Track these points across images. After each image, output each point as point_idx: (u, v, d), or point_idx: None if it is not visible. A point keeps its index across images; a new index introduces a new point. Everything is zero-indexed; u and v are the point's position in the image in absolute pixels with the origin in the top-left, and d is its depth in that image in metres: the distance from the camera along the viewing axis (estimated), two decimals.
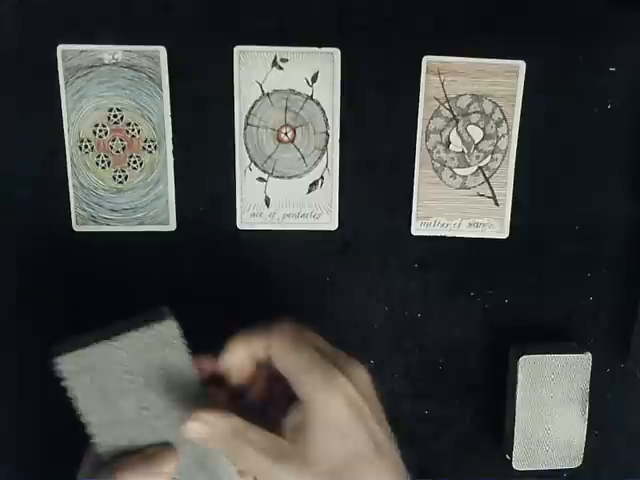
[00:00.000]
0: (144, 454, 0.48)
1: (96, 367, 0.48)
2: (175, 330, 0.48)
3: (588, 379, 0.60)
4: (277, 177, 0.58)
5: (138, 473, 0.46)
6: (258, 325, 0.47)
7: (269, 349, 0.46)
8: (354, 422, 0.44)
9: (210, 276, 0.59)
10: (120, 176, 0.57)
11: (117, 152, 0.57)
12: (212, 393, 0.48)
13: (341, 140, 0.58)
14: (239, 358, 0.48)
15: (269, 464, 0.43)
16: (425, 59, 0.57)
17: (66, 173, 0.57)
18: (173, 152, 0.57)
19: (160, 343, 0.48)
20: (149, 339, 0.48)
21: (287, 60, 0.56)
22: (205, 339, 0.61)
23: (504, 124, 0.58)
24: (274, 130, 0.57)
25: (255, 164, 0.58)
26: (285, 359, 0.45)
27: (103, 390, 0.48)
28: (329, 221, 0.59)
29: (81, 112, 0.56)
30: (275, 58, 0.56)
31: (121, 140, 0.57)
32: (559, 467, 0.61)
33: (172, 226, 0.58)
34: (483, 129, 0.58)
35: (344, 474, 0.43)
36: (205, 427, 0.45)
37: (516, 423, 0.60)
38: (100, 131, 0.57)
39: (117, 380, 0.48)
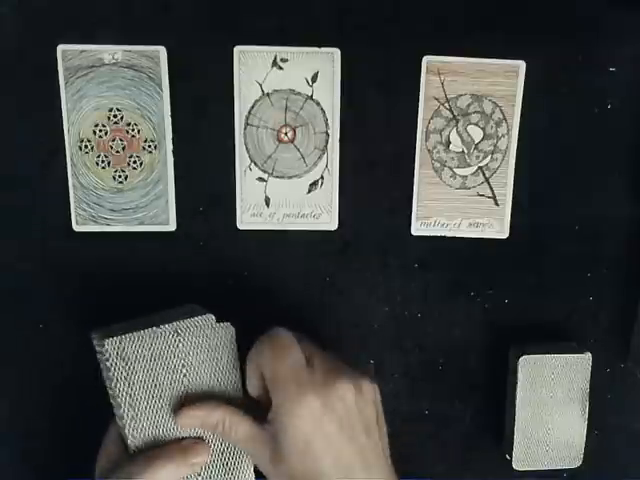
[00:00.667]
0: (179, 445, 0.50)
1: (153, 354, 0.50)
2: (233, 334, 0.52)
3: (588, 379, 0.60)
4: (277, 177, 0.58)
5: (175, 462, 0.49)
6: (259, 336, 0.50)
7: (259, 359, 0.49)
8: (316, 440, 0.45)
9: (210, 276, 0.59)
10: (120, 176, 0.57)
11: (117, 152, 0.57)
12: None
13: (341, 140, 0.58)
14: (250, 376, 0.51)
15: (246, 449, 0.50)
16: (425, 59, 0.57)
17: (66, 173, 0.57)
18: (173, 152, 0.57)
19: (217, 343, 0.51)
20: (209, 338, 0.51)
21: (287, 60, 0.56)
22: None
23: (504, 124, 0.58)
24: (274, 130, 0.57)
25: (255, 164, 0.58)
26: (267, 369, 0.48)
27: (154, 378, 0.50)
28: (329, 221, 0.59)
29: (81, 112, 0.56)
30: (275, 58, 0.56)
31: (121, 140, 0.57)
32: (559, 467, 0.61)
33: (172, 226, 0.58)
34: (483, 129, 0.58)
35: None
36: (195, 421, 0.50)
37: (516, 423, 0.60)
38: (100, 131, 0.57)
39: (171, 370, 0.50)
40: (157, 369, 0.50)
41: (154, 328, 0.50)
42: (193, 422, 0.50)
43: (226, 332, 0.52)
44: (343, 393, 0.46)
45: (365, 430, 0.47)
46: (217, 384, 0.52)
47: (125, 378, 0.49)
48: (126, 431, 0.49)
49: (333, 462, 0.45)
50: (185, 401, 0.51)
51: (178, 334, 0.50)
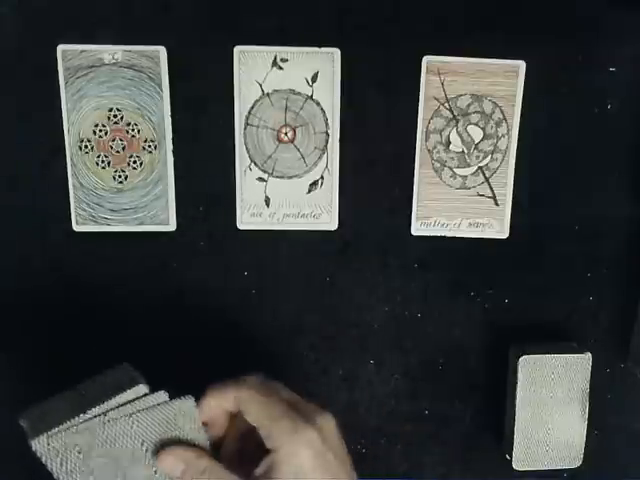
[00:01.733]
0: None
1: (105, 440, 0.48)
2: (192, 404, 0.49)
3: (588, 379, 0.60)
4: (277, 177, 0.58)
5: None
6: (228, 380, 0.49)
7: (239, 401, 0.47)
8: (319, 473, 0.45)
9: (210, 276, 0.59)
10: (120, 176, 0.57)
11: (117, 152, 0.57)
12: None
13: (341, 140, 0.58)
14: (212, 411, 0.49)
15: None
16: (425, 59, 0.57)
17: (66, 173, 0.57)
18: (173, 152, 0.57)
19: (176, 413, 0.49)
20: (165, 414, 0.49)
21: (287, 60, 0.56)
22: (204, 338, 0.61)
23: (504, 124, 0.58)
24: (274, 130, 0.57)
25: (255, 164, 0.58)
26: (254, 410, 0.47)
27: (109, 462, 0.48)
28: (329, 221, 0.59)
29: (81, 112, 0.56)
30: (275, 58, 0.56)
31: (121, 140, 0.57)
32: (559, 467, 0.61)
33: (172, 226, 0.58)
34: (483, 129, 0.58)
35: None
36: (179, 463, 0.47)
37: (516, 423, 0.60)
38: (100, 131, 0.57)
39: (130, 451, 0.48)
40: (113, 453, 0.48)
41: (102, 417, 0.47)
42: (177, 465, 0.48)
43: (184, 403, 0.50)
44: (331, 422, 0.47)
45: (348, 457, 0.48)
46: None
47: (76, 469, 0.47)
48: None
49: None
50: (156, 476, 0.48)
51: (130, 416, 0.48)
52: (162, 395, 0.49)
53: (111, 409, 0.47)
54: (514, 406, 0.60)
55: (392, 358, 0.62)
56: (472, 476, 0.65)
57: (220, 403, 0.49)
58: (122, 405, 0.48)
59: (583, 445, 0.61)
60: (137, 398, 0.48)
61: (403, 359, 0.62)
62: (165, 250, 0.59)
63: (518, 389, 0.59)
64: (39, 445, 0.46)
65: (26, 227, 0.58)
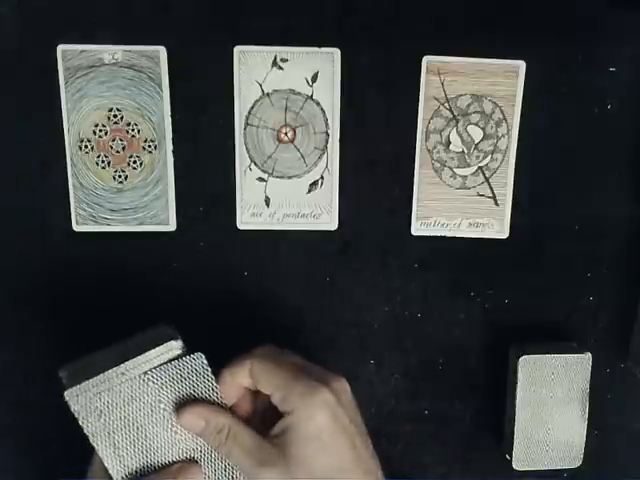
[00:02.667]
0: (170, 470, 0.49)
1: (124, 398, 0.49)
2: (204, 361, 0.50)
3: (588, 379, 0.60)
4: (277, 177, 0.58)
5: None
6: (240, 354, 0.50)
7: (252, 373, 0.48)
8: (336, 434, 0.45)
9: (210, 276, 0.59)
10: (120, 176, 0.57)
11: (117, 152, 0.57)
12: None
13: (341, 140, 0.58)
14: (231, 391, 0.49)
15: (254, 466, 0.45)
16: (425, 59, 0.57)
17: (66, 173, 0.57)
18: (173, 152, 0.57)
19: (188, 372, 0.50)
20: (179, 370, 0.49)
21: (287, 60, 0.56)
22: (204, 338, 0.61)
23: (504, 124, 0.58)
24: (274, 130, 0.57)
25: (255, 164, 0.58)
26: (266, 377, 0.47)
27: (131, 421, 0.49)
28: (329, 221, 0.59)
29: (81, 112, 0.56)
30: (275, 58, 0.56)
31: (121, 140, 0.57)
32: (559, 467, 0.61)
33: (172, 226, 0.58)
34: (483, 129, 0.58)
35: None
36: (199, 420, 0.48)
37: (516, 423, 0.60)
38: (100, 131, 0.57)
39: (149, 409, 0.49)
40: (132, 411, 0.49)
41: (118, 371, 0.48)
42: (197, 422, 0.48)
43: (196, 361, 0.50)
44: (345, 386, 0.47)
45: (362, 420, 0.48)
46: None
47: (99, 430, 0.48)
48: (111, 473, 0.48)
49: (353, 455, 0.46)
50: (176, 436, 0.49)
51: (146, 373, 0.49)
52: (176, 347, 0.50)
53: (130, 368, 0.48)
54: (514, 406, 0.60)
55: (392, 358, 0.62)
56: (472, 476, 0.65)
57: (236, 379, 0.49)
58: (142, 363, 0.49)
59: (583, 445, 0.61)
60: (164, 356, 0.49)
61: (403, 359, 0.62)
62: (165, 250, 0.59)
63: (518, 389, 0.59)
64: (69, 398, 0.47)
65: (26, 227, 0.58)
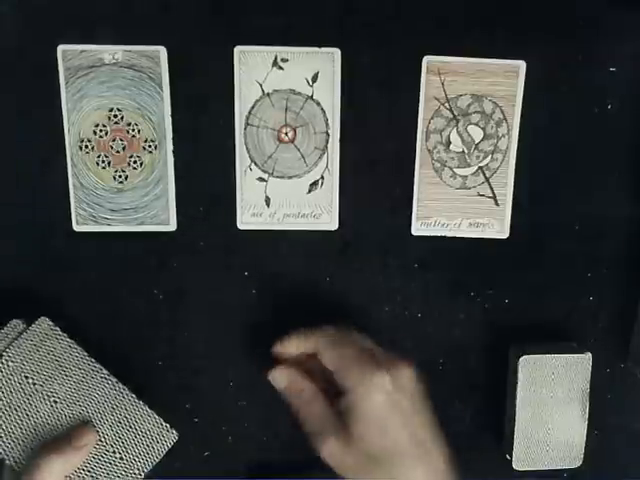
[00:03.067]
0: (62, 435, 0.52)
1: None
2: (49, 323, 0.52)
3: (588, 379, 0.60)
4: (277, 177, 0.58)
5: (61, 450, 0.50)
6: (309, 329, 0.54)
7: (318, 345, 0.52)
8: (393, 418, 0.48)
9: (210, 276, 0.59)
10: (120, 176, 0.57)
11: (117, 152, 0.57)
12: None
13: (341, 140, 0.58)
14: (292, 349, 0.54)
15: (318, 434, 0.50)
16: (425, 59, 0.57)
17: (66, 173, 0.57)
18: (173, 152, 0.57)
19: (41, 339, 0.52)
20: (31, 341, 0.52)
21: (287, 60, 0.56)
22: (205, 338, 0.61)
23: (504, 124, 0.58)
24: (274, 130, 0.57)
25: (255, 164, 0.58)
26: (329, 354, 0.51)
27: (5, 405, 0.50)
28: (329, 221, 0.59)
29: (81, 112, 0.56)
30: (275, 58, 0.56)
31: (121, 140, 0.57)
32: (559, 467, 0.61)
33: (172, 226, 0.58)
34: (483, 129, 0.58)
35: (383, 463, 0.48)
36: (282, 379, 0.54)
37: (516, 423, 0.60)
38: (100, 131, 0.57)
39: (19, 388, 0.50)
40: (4, 396, 0.50)
41: None
42: (280, 380, 0.54)
43: (42, 325, 0.52)
44: (407, 371, 0.50)
45: (426, 404, 0.51)
46: (73, 374, 0.53)
47: None
48: (7, 459, 0.50)
49: (409, 438, 0.49)
50: (57, 405, 0.52)
51: (1, 356, 0.51)
52: (18, 323, 0.52)
53: None
54: (514, 406, 0.60)
55: None
56: (472, 476, 0.64)
57: (301, 344, 0.53)
58: None
59: (583, 445, 0.61)
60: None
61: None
62: (165, 250, 0.59)
63: (518, 389, 0.59)
64: None
65: (26, 227, 0.58)
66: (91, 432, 0.52)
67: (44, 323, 0.52)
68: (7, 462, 0.50)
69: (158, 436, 0.55)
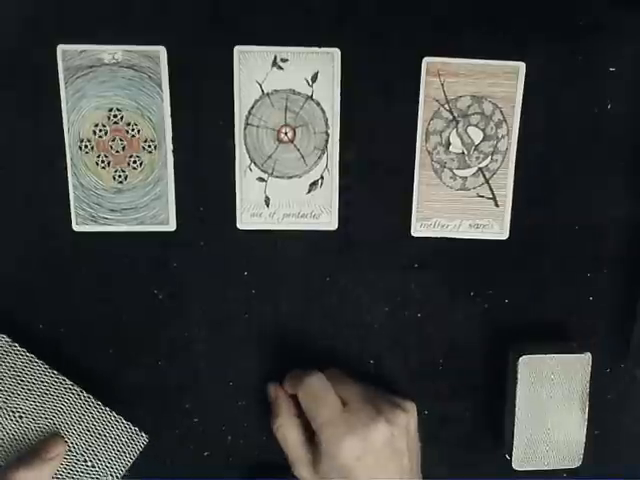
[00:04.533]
0: (32, 449, 0.52)
1: None
2: (6, 339, 0.53)
3: (588, 379, 0.60)
4: (277, 177, 0.58)
5: (29, 465, 0.50)
6: (293, 374, 0.57)
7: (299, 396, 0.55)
8: (359, 470, 0.51)
9: (210, 276, 0.59)
10: (120, 176, 0.57)
11: (117, 152, 0.57)
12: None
13: (341, 140, 0.58)
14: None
15: (291, 459, 0.55)
16: (425, 60, 0.57)
17: (66, 173, 0.57)
18: (173, 152, 0.57)
19: (0, 355, 0.52)
20: None
21: (287, 60, 0.56)
22: (204, 338, 0.61)
23: (504, 125, 0.58)
24: (274, 130, 0.57)
25: (255, 164, 0.58)
26: (305, 409, 0.54)
27: None
28: (329, 221, 0.59)
29: (81, 112, 0.56)
30: (275, 58, 0.56)
31: (121, 140, 0.57)
32: (559, 467, 0.61)
33: (172, 226, 0.58)
34: (483, 130, 0.58)
35: None
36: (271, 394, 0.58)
37: (516, 423, 0.60)
38: (100, 131, 0.57)
39: None
40: None
41: None
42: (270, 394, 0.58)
43: (1, 343, 0.52)
44: (379, 431, 0.52)
45: (398, 458, 0.53)
46: (36, 388, 0.53)
47: None
48: None
49: None
50: (22, 420, 0.52)
51: None
52: (2, 337, 0.53)
53: None
54: (514, 406, 0.60)
55: (392, 358, 0.62)
56: (472, 476, 0.65)
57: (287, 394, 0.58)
58: None
59: (583, 445, 0.61)
60: None
61: (403, 359, 0.62)
62: (165, 250, 0.59)
63: (518, 389, 0.59)
64: None
65: (26, 227, 0.58)
66: (60, 443, 0.53)
67: (1, 340, 0.52)
68: None
69: (128, 440, 0.55)
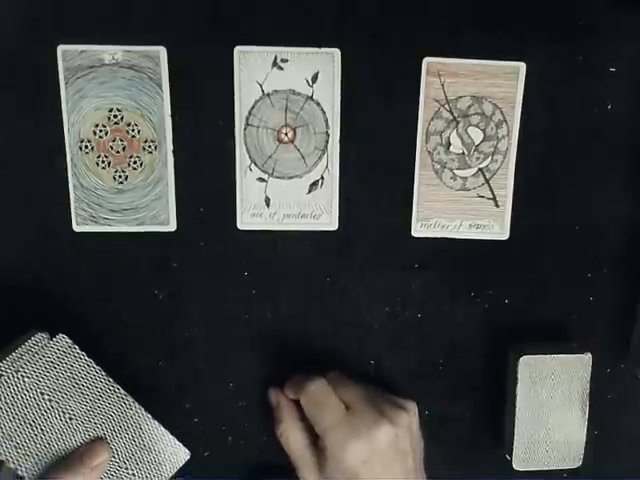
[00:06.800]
0: (76, 453, 0.52)
1: (5, 400, 0.51)
2: (67, 341, 0.52)
3: (588, 379, 0.60)
4: (277, 177, 0.58)
5: (73, 470, 0.50)
6: (294, 380, 0.58)
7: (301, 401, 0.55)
8: (364, 473, 0.52)
9: (210, 276, 0.59)
10: (120, 176, 0.57)
11: (117, 152, 0.57)
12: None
13: (341, 140, 0.58)
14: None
15: (296, 466, 0.55)
16: (425, 60, 0.57)
17: (66, 173, 0.57)
18: (173, 152, 0.57)
19: (58, 357, 0.52)
20: (48, 358, 0.52)
21: (287, 60, 0.56)
22: (205, 338, 0.61)
23: (504, 125, 0.58)
24: (274, 130, 0.57)
25: (255, 164, 0.58)
26: (309, 415, 0.54)
27: (21, 419, 0.51)
28: (329, 221, 0.59)
29: (81, 112, 0.56)
30: (275, 58, 0.56)
31: (121, 140, 0.57)
32: (559, 467, 0.61)
33: (172, 226, 0.58)
34: (483, 130, 0.58)
35: None
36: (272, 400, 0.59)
37: (516, 423, 0.60)
38: (100, 131, 0.56)
39: (35, 404, 0.50)
40: (19, 410, 0.51)
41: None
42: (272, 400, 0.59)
43: (61, 342, 0.52)
44: (383, 433, 0.52)
45: (402, 458, 0.53)
46: (90, 392, 0.53)
47: None
48: (21, 474, 0.50)
49: None
50: (72, 422, 0.52)
51: (18, 371, 0.51)
52: (42, 337, 0.52)
53: (3, 369, 0.51)
54: (514, 406, 0.60)
55: (392, 358, 0.62)
56: (472, 476, 0.65)
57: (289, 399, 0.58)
58: (12, 363, 0.51)
59: (583, 445, 0.61)
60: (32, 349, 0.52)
61: (403, 359, 0.62)
62: (165, 250, 0.59)
63: (518, 389, 0.59)
64: None
65: (26, 227, 0.58)
66: (105, 450, 0.52)
67: (62, 340, 0.52)
68: (19, 473, 0.50)
69: (171, 455, 0.55)
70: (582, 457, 0.61)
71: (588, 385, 0.60)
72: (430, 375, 0.63)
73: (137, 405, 0.55)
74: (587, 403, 0.60)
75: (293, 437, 0.55)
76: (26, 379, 0.50)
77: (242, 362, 0.61)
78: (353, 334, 0.62)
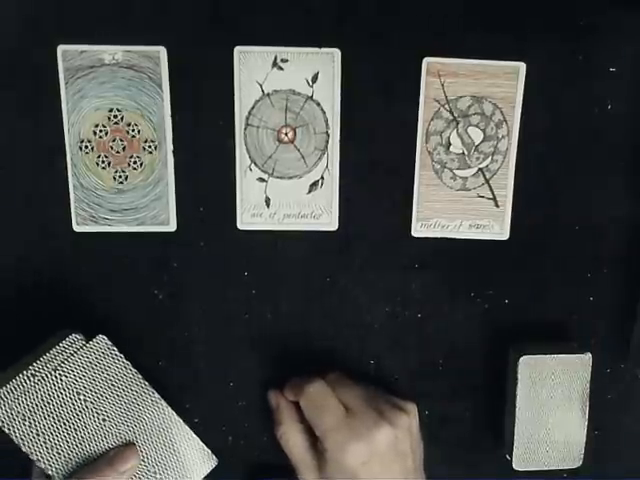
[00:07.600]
0: (106, 456, 0.52)
1: (41, 398, 0.51)
2: (107, 342, 0.53)
3: (588, 379, 0.60)
4: (277, 177, 0.58)
5: (103, 475, 0.50)
6: (293, 382, 0.57)
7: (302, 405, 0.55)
8: (363, 474, 0.52)
9: (210, 276, 0.59)
10: (120, 176, 0.57)
11: (117, 152, 0.57)
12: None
13: (341, 140, 0.58)
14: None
15: (296, 466, 0.55)
16: (425, 60, 0.57)
17: (66, 173, 0.57)
18: (173, 152, 0.57)
19: (96, 357, 0.52)
20: (86, 358, 0.52)
21: (287, 60, 0.56)
22: (205, 339, 0.61)
23: (504, 125, 0.58)
24: (274, 130, 0.57)
25: (255, 164, 0.58)
26: (308, 417, 0.54)
27: (55, 419, 0.50)
28: (329, 221, 0.59)
29: (81, 112, 0.56)
30: (275, 58, 0.56)
31: (121, 140, 0.57)
32: (559, 467, 0.61)
33: (172, 226, 0.58)
34: (483, 130, 0.58)
35: None
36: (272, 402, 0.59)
37: (516, 423, 0.60)
38: (100, 131, 0.56)
39: (70, 404, 0.50)
40: (54, 409, 0.51)
41: (27, 373, 0.50)
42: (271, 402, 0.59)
43: (100, 344, 0.52)
44: (383, 434, 0.52)
45: (402, 460, 0.53)
46: (124, 395, 0.53)
47: (26, 434, 0.50)
48: (49, 473, 0.50)
49: None
50: (105, 423, 0.52)
51: (56, 369, 0.51)
52: (77, 338, 0.52)
53: (39, 368, 0.51)
54: (514, 406, 0.60)
55: (392, 358, 0.62)
56: (472, 476, 0.65)
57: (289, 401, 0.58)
58: (49, 362, 0.51)
59: (583, 445, 0.61)
60: (67, 349, 0.52)
61: (403, 359, 0.62)
62: (165, 250, 0.59)
63: (518, 389, 0.59)
64: None
65: (26, 227, 0.58)
66: (135, 456, 0.52)
67: (102, 342, 0.52)
68: (49, 472, 0.50)
69: (199, 461, 0.56)
70: (582, 457, 0.61)
71: (588, 385, 0.60)
72: (430, 375, 0.63)
73: (170, 410, 0.55)
74: (587, 403, 0.60)
75: (293, 439, 0.55)
76: (63, 378, 0.51)
77: (242, 362, 0.61)
78: (353, 334, 0.62)
